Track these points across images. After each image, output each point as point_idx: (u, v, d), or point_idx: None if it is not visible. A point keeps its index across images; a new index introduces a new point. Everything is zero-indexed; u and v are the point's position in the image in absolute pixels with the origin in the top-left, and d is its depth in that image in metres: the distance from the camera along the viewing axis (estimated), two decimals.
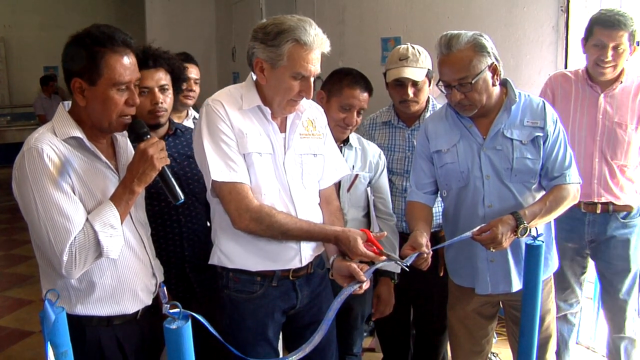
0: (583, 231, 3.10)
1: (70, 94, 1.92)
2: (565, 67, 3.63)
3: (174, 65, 2.55)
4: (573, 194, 2.36)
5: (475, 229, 2.22)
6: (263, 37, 2.05)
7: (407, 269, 2.12)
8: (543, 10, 3.74)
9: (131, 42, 1.92)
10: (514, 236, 2.21)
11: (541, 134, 2.34)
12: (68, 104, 1.99)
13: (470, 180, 2.41)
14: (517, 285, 2.44)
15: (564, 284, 3.22)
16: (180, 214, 2.57)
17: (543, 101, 2.39)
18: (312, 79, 2.10)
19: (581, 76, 3.04)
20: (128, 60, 1.90)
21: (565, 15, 3.59)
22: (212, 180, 2.05)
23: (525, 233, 2.19)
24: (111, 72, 1.86)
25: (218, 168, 2.05)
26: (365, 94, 2.66)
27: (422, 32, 4.73)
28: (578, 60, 3.60)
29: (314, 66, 2.07)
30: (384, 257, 2.05)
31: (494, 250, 2.23)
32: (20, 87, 11.55)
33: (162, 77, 2.48)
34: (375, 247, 2.06)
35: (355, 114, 2.64)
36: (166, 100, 2.49)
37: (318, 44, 2.05)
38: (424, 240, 2.21)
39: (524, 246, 2.34)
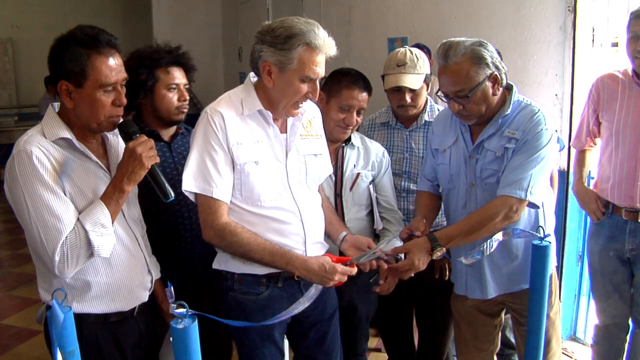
0: (624, 239, 2.91)
1: (57, 95, 1.92)
2: (573, 68, 3.61)
3: (191, 66, 2.66)
4: (504, 213, 2.18)
5: (389, 250, 2.21)
6: (272, 40, 2.03)
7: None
8: (550, 10, 3.71)
9: (116, 42, 1.93)
10: (429, 258, 2.18)
11: (513, 146, 2.26)
12: (57, 104, 2.00)
13: (457, 185, 2.44)
14: (492, 292, 2.46)
15: (605, 293, 3.08)
16: (190, 211, 2.60)
17: (539, 110, 2.30)
18: (317, 81, 2.12)
19: (630, 75, 2.88)
20: (114, 62, 1.91)
21: (573, 15, 3.55)
22: (183, 189, 2.09)
23: (441, 255, 2.18)
24: (97, 74, 1.86)
25: (191, 179, 2.08)
26: (365, 94, 2.65)
27: (428, 33, 4.72)
28: (585, 61, 3.62)
29: (321, 69, 2.09)
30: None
31: (412, 276, 2.21)
32: (27, 87, 11.54)
33: (184, 77, 2.60)
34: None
35: (354, 114, 2.64)
36: (187, 98, 2.59)
37: (327, 47, 2.06)
38: (422, 225, 2.28)
39: (499, 255, 2.39)
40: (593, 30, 3.62)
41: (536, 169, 2.20)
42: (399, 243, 2.46)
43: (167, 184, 1.99)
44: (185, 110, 2.58)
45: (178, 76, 2.55)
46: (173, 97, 2.54)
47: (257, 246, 2.09)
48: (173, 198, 2.01)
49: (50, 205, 1.80)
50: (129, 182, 1.91)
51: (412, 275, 2.19)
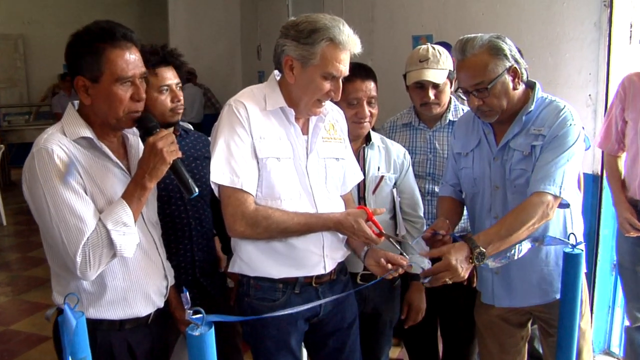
0: None
1: (75, 93, 1.92)
2: (608, 67, 3.51)
3: (180, 63, 2.59)
4: (542, 211, 2.10)
5: (425, 253, 2.18)
6: (296, 34, 2.03)
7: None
8: (584, 6, 3.62)
9: (132, 36, 1.92)
10: (471, 264, 2.05)
11: (540, 143, 2.22)
12: (77, 102, 1.99)
13: (481, 189, 2.41)
14: (521, 301, 2.42)
15: (636, 294, 3.10)
16: (190, 217, 2.60)
17: (564, 106, 2.25)
18: (341, 80, 2.10)
19: None
20: (130, 55, 1.90)
21: (609, 10, 3.45)
22: (211, 181, 2.07)
23: (483, 259, 2.05)
24: (113, 67, 1.85)
25: (220, 170, 2.05)
26: (368, 82, 2.57)
27: (455, 30, 4.64)
28: (622, 59, 3.51)
29: (345, 66, 2.07)
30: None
31: (450, 282, 2.06)
32: (39, 85, 11.66)
33: (175, 75, 2.52)
34: (374, 228, 2.12)
35: (365, 105, 2.56)
36: (181, 98, 2.54)
37: (351, 44, 2.05)
38: (445, 225, 2.27)
39: (529, 263, 2.32)
40: (631, 26, 3.52)
41: (567, 166, 2.16)
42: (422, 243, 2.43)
43: (190, 179, 1.95)
44: (181, 111, 2.52)
45: (168, 76, 2.47)
46: (165, 99, 2.46)
47: (291, 222, 2.06)
48: (197, 194, 1.96)
49: (72, 205, 1.79)
50: (150, 179, 1.88)
51: (449, 281, 2.05)
